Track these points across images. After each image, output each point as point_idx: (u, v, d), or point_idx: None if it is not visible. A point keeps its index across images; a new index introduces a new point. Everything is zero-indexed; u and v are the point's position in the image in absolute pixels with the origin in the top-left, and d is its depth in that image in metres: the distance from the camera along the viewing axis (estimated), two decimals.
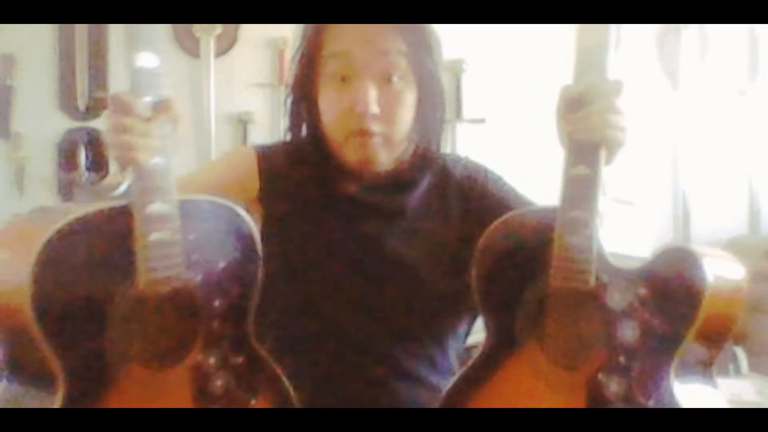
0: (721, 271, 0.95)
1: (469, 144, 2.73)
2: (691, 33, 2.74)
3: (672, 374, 0.93)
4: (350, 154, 1.11)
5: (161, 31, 0.92)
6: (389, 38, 1.08)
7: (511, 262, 1.06)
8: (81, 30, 2.76)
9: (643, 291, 0.94)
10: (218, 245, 0.96)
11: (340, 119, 1.10)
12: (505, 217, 1.07)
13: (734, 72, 2.77)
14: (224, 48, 2.81)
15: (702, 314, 0.91)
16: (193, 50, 2.79)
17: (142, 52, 0.89)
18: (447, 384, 1.11)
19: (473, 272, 1.07)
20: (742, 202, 2.79)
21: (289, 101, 1.18)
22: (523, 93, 2.69)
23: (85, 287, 0.85)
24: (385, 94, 1.08)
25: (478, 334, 1.28)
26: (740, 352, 2.42)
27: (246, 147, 1.28)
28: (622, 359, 0.95)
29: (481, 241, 1.07)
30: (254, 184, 1.17)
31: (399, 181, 1.16)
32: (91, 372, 0.86)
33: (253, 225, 1.00)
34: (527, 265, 1.03)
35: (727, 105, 2.77)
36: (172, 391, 0.93)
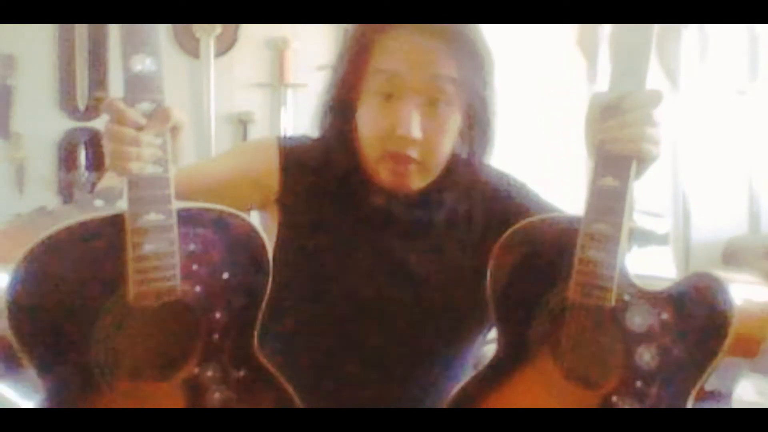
0: (747, 296, 0.90)
1: None
2: (691, 33, 2.74)
3: (690, 404, 0.89)
4: (383, 174, 1.07)
5: (160, 32, 0.88)
6: (441, 61, 1.03)
7: (528, 270, 1.03)
8: (81, 30, 2.76)
9: (665, 315, 0.90)
10: (222, 256, 0.92)
11: (379, 138, 1.05)
12: (522, 223, 1.03)
13: (734, 72, 2.77)
14: (224, 48, 2.81)
15: (727, 345, 0.87)
16: (193, 50, 2.79)
17: (138, 54, 0.86)
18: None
19: (488, 276, 1.04)
20: (742, 202, 2.78)
21: (324, 104, 1.13)
22: (523, 93, 2.69)
23: (68, 300, 0.82)
24: (429, 120, 1.03)
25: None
26: None
27: (268, 140, 1.18)
28: (638, 384, 0.92)
29: (498, 246, 1.04)
30: (272, 183, 1.12)
31: (429, 198, 1.12)
32: (74, 386, 0.84)
33: (262, 235, 0.96)
34: (544, 274, 1.00)
35: (727, 105, 2.76)
36: (163, 404, 0.91)
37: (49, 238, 0.80)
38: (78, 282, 0.83)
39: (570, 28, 2.71)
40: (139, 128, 0.85)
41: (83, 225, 0.83)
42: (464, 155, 1.11)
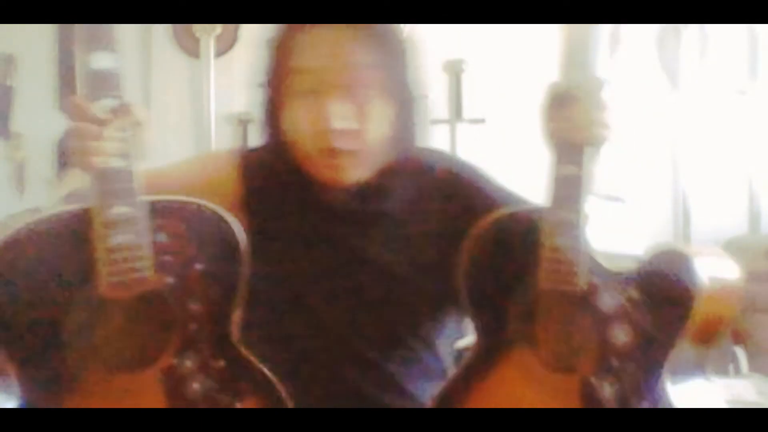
0: (714, 271, 0.95)
1: (469, 144, 2.73)
2: (691, 33, 2.73)
3: (664, 376, 0.92)
4: (321, 172, 1.09)
5: (117, 30, 0.89)
6: (357, 51, 1.05)
7: (499, 263, 1.05)
8: (81, 30, 2.76)
9: (634, 293, 0.94)
10: (195, 246, 0.94)
11: (309, 136, 1.07)
12: (492, 216, 1.06)
13: (734, 72, 2.77)
14: (224, 48, 2.81)
15: (694, 317, 0.90)
16: (193, 50, 2.79)
17: (97, 52, 0.87)
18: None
19: (459, 271, 1.06)
20: (742, 202, 2.78)
21: (261, 114, 1.16)
22: (523, 93, 2.69)
23: (38, 295, 0.83)
24: (354, 109, 1.05)
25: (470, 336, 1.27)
26: (740, 352, 2.42)
27: (227, 151, 1.24)
28: (614, 362, 0.95)
29: (468, 241, 1.06)
30: (232, 188, 1.14)
31: (376, 188, 1.14)
32: (49, 378, 0.85)
33: (236, 225, 0.97)
34: (515, 265, 1.02)
35: (727, 105, 2.76)
36: (141, 394, 0.91)
37: (14, 235, 0.81)
38: (47, 276, 0.84)
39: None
40: (101, 123, 0.87)
41: (48, 220, 0.85)
42: (397, 141, 1.12)
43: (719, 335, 0.98)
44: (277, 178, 1.15)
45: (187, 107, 2.79)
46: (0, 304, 0.81)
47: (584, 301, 0.97)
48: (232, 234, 0.96)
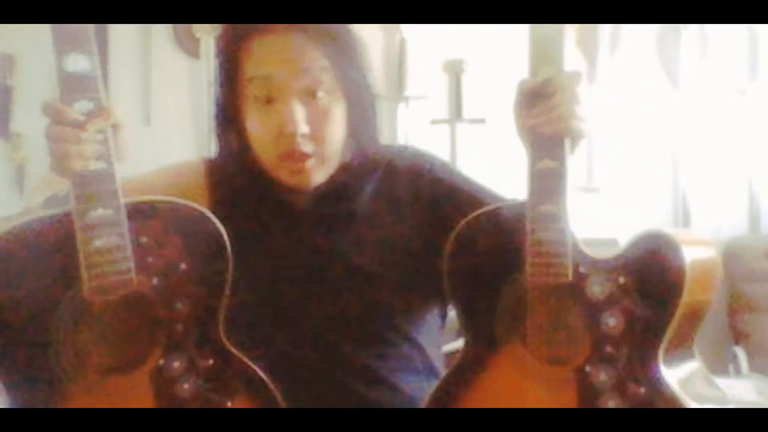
0: (697, 254, 0.96)
1: (469, 144, 2.73)
2: (691, 33, 2.74)
3: (661, 359, 0.94)
4: (285, 177, 1.09)
5: (91, 31, 0.88)
6: (309, 54, 1.06)
7: (484, 261, 1.05)
8: None
9: (623, 279, 0.95)
10: (177, 246, 0.93)
11: (270, 142, 1.07)
12: (475, 214, 1.06)
13: (734, 72, 2.77)
14: None
15: (684, 297, 0.92)
16: (193, 50, 2.79)
17: (71, 54, 0.86)
18: (429, 385, 1.11)
19: (444, 272, 1.07)
20: (742, 202, 2.78)
21: (215, 123, 1.17)
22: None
23: (21, 300, 0.83)
24: (312, 112, 1.06)
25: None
26: (740, 352, 2.42)
27: (194, 159, 1.25)
28: (608, 349, 0.96)
29: (451, 241, 1.07)
30: (201, 196, 1.14)
31: (343, 189, 1.14)
32: (38, 384, 0.85)
33: (217, 223, 0.97)
34: (501, 262, 1.03)
35: (727, 105, 2.76)
36: (131, 396, 0.91)
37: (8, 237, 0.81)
38: (31, 281, 0.84)
39: (570, 28, 2.71)
40: (79, 126, 0.86)
41: (29, 225, 0.84)
42: (355, 141, 1.13)
43: (702, 316, 0.99)
44: (242, 185, 1.15)
45: (187, 107, 2.79)
46: None
47: (573, 291, 0.97)
48: (217, 231, 0.96)
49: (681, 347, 0.98)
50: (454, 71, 2.78)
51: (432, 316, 1.22)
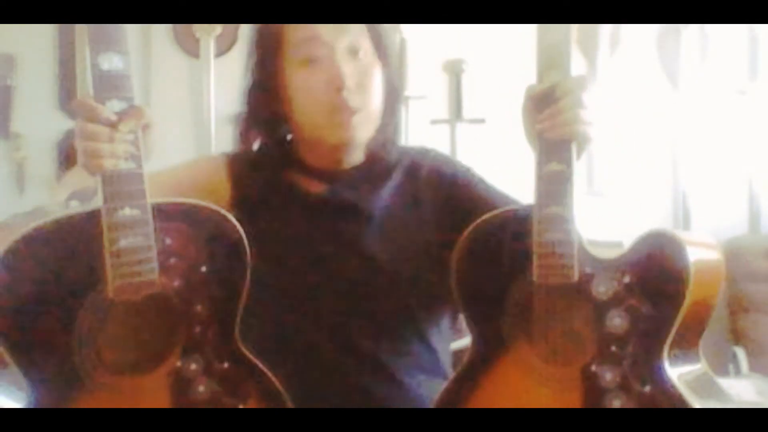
0: (702, 254, 0.97)
1: (469, 144, 2.73)
2: (691, 33, 2.73)
3: (665, 358, 0.94)
4: (328, 135, 1.11)
5: (127, 31, 0.89)
6: (351, 27, 1.10)
7: (492, 262, 1.06)
8: (81, 30, 2.76)
9: (628, 279, 0.96)
10: (199, 248, 0.94)
11: (318, 99, 1.10)
12: (485, 217, 1.07)
13: (734, 72, 2.76)
14: (224, 48, 2.81)
15: (689, 296, 0.92)
16: (193, 50, 2.78)
17: (107, 53, 0.87)
18: (436, 384, 1.12)
19: (452, 273, 1.08)
20: (742, 202, 2.78)
21: (249, 101, 1.17)
22: (523, 93, 2.68)
23: (48, 297, 0.83)
24: (356, 69, 1.10)
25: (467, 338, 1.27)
26: (740, 352, 2.42)
27: (215, 154, 1.29)
28: (613, 348, 0.96)
29: (460, 242, 1.08)
30: (224, 190, 1.17)
31: (368, 179, 1.17)
32: (59, 383, 0.84)
33: (237, 225, 0.97)
34: (508, 264, 1.04)
35: (727, 105, 2.76)
36: (148, 397, 0.91)
37: (25, 237, 0.81)
38: (57, 279, 0.83)
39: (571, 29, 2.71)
40: (112, 125, 0.86)
41: (58, 222, 0.84)
42: (388, 111, 1.17)
43: (708, 317, 1.00)
44: (267, 173, 1.17)
45: (187, 107, 2.79)
46: (11, 304, 0.80)
47: (579, 291, 0.98)
48: (236, 232, 0.97)
49: (686, 348, 0.99)
50: (454, 71, 2.78)
51: (445, 316, 1.22)
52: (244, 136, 1.20)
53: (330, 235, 1.15)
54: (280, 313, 1.13)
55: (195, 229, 0.93)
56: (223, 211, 0.96)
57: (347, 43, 1.09)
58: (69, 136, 2.78)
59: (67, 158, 2.76)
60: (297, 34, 1.10)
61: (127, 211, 0.86)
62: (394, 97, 1.19)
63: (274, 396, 1.01)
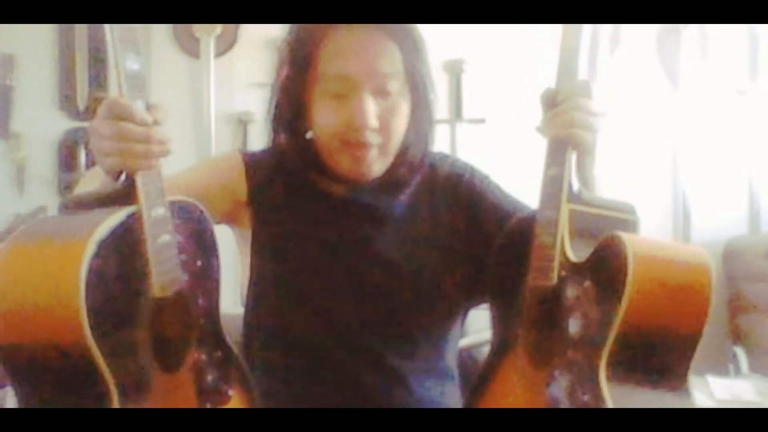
0: (653, 252, 0.89)
1: (469, 144, 2.73)
2: (691, 33, 2.74)
3: (601, 368, 0.88)
4: (343, 163, 1.11)
5: (139, 30, 0.88)
6: (386, 57, 1.07)
7: (512, 268, 1.06)
8: (81, 30, 2.76)
9: (587, 282, 0.95)
10: (192, 243, 0.95)
11: (337, 132, 1.09)
12: (517, 218, 1.09)
13: (734, 72, 2.77)
14: (224, 48, 2.81)
15: (625, 300, 0.85)
16: (193, 50, 2.79)
17: (130, 53, 0.86)
18: (444, 388, 1.12)
19: (490, 273, 1.10)
20: (742, 202, 2.78)
21: (274, 104, 1.16)
22: (523, 93, 2.69)
23: (122, 298, 0.83)
24: (383, 108, 1.08)
25: (476, 334, 1.28)
26: (740, 352, 2.42)
27: (232, 152, 1.26)
28: (570, 353, 0.95)
29: (498, 241, 1.10)
30: (241, 189, 1.16)
31: (388, 184, 1.16)
32: (133, 382, 0.84)
33: (210, 219, 0.98)
34: (521, 268, 1.03)
35: (727, 105, 2.77)
36: (178, 392, 0.92)
37: (105, 237, 0.79)
38: (125, 279, 0.84)
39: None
40: (147, 125, 0.87)
41: (123, 223, 0.83)
42: (413, 138, 1.15)
43: (670, 342, 0.91)
44: (287, 173, 1.16)
45: (187, 107, 2.79)
46: (94, 306, 0.77)
47: (554, 294, 0.99)
48: (210, 224, 0.99)
49: (641, 368, 0.91)
50: (454, 71, 2.78)
51: (458, 320, 1.22)
52: (276, 137, 1.18)
53: (349, 236, 1.15)
54: (291, 312, 1.13)
55: (188, 225, 0.94)
56: (199, 205, 0.97)
57: (378, 83, 1.07)
58: (69, 136, 2.78)
59: (66, 158, 2.77)
60: (329, 67, 1.07)
61: (160, 209, 0.87)
62: (425, 125, 1.17)
63: (246, 381, 1.03)
